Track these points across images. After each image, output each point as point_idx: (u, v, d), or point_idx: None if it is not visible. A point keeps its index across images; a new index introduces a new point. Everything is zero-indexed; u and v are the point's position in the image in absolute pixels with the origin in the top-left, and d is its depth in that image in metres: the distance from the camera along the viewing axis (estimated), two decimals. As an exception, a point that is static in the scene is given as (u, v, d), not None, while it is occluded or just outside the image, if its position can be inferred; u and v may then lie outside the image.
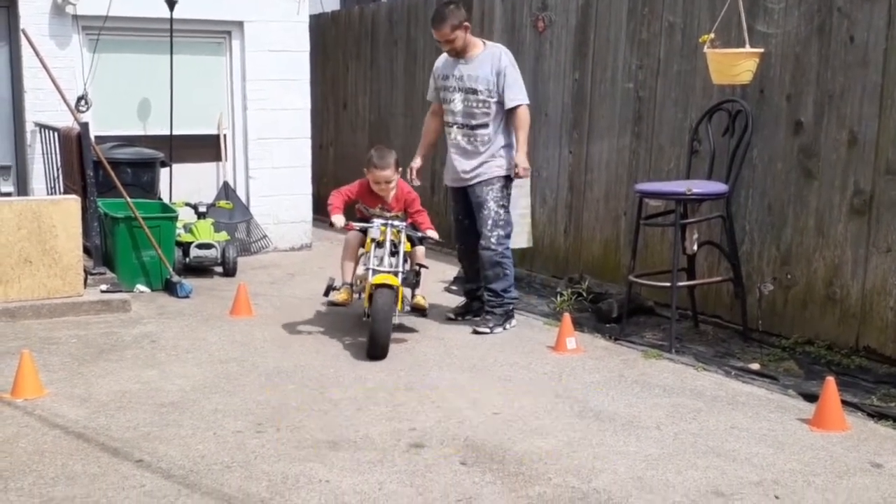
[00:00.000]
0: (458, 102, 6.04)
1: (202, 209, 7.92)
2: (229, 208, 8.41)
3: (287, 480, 3.71)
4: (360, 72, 10.51)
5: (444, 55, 6.17)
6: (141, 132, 8.46)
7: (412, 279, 5.91)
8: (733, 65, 5.53)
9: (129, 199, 6.96)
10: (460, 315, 6.39)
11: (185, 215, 7.84)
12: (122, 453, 3.97)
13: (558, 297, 6.89)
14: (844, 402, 4.55)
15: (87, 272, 6.65)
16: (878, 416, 4.57)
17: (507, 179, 6.05)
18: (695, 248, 5.91)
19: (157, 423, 4.32)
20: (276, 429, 4.28)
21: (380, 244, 5.67)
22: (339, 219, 5.82)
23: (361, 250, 6.05)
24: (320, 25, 10.93)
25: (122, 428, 4.26)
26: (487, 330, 6.03)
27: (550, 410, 4.60)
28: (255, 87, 8.77)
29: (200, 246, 7.64)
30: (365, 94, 10.41)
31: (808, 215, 5.68)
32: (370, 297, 5.48)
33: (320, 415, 4.48)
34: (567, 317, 5.76)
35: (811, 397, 4.74)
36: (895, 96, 5.16)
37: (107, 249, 7.13)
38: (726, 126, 5.97)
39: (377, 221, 5.73)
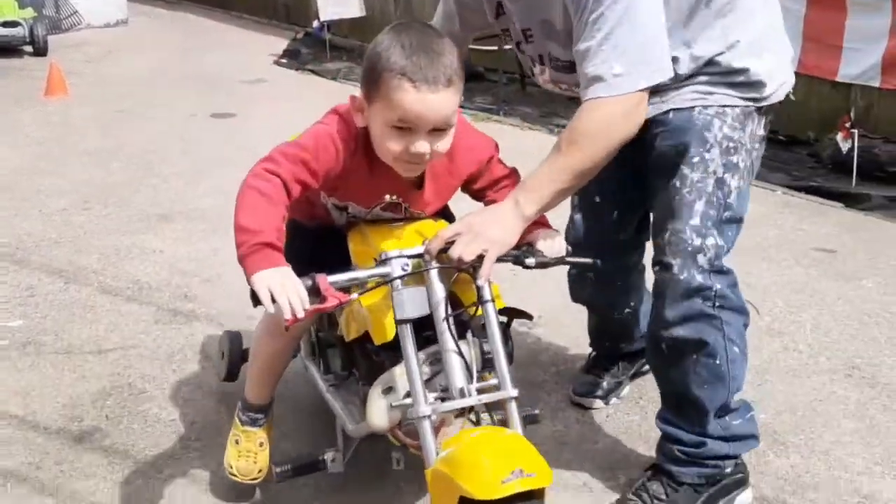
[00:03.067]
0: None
1: (2, -17, 7.33)
2: (33, -18, 7.81)
3: (119, 252, 3.69)
4: None
5: None
6: None
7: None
8: None
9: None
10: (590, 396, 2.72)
11: (-17, -9, 7.25)
12: (-61, 236, 3.83)
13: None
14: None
15: None
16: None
17: (760, 112, 2.11)
18: (521, 10, 5.93)
19: (-26, 205, 4.17)
20: (104, 205, 4.20)
21: (422, 332, 1.80)
22: (287, 285, 1.63)
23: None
24: None
25: (-64, 211, 4.09)
26: None
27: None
28: None
29: (5, 24, 7.18)
30: None
31: None
32: None
33: (149, 190, 4.41)
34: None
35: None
36: None
37: None
38: None
39: (395, 262, 1.77)
